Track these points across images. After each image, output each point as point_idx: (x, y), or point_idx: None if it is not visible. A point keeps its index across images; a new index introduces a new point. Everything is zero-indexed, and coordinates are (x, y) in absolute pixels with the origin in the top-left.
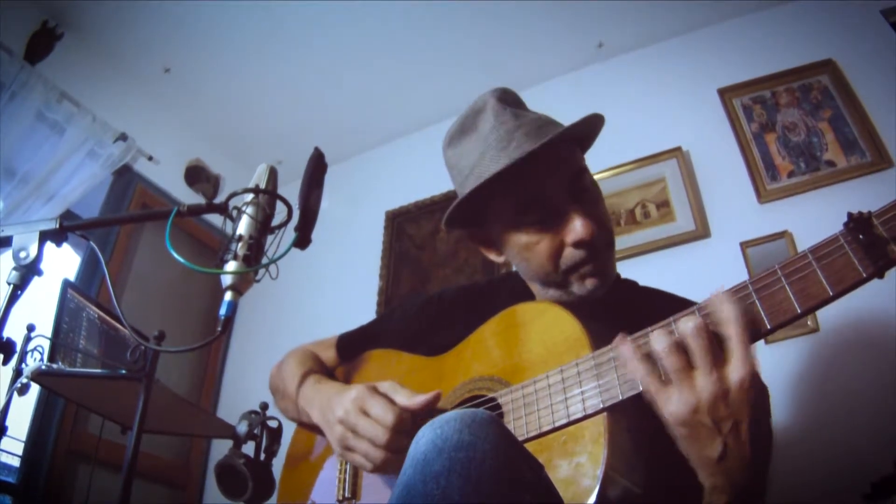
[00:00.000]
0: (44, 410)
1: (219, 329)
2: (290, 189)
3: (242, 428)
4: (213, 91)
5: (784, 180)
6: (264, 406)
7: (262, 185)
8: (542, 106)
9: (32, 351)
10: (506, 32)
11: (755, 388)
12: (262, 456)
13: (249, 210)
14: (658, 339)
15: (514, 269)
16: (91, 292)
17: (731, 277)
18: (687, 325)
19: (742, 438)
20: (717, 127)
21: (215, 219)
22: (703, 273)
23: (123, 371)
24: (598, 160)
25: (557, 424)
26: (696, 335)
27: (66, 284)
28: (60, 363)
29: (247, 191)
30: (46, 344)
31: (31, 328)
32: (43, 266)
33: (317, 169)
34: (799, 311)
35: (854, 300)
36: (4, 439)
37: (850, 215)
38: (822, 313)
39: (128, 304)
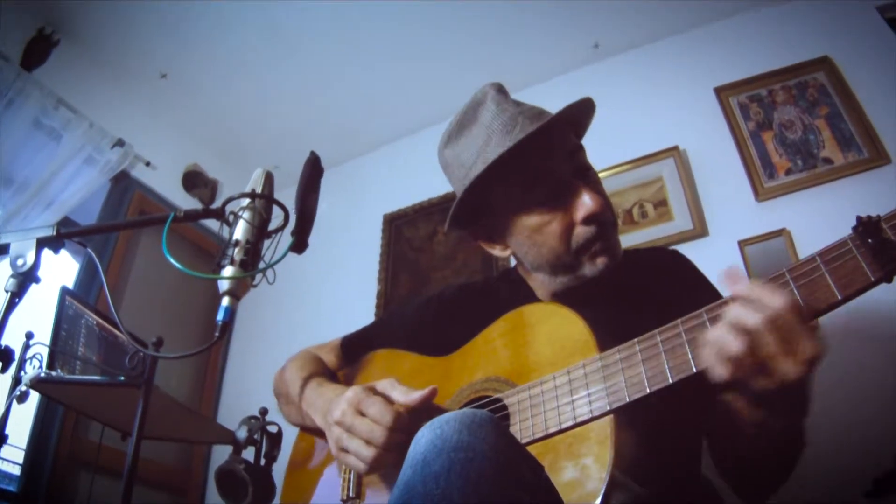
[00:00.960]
0: (43, 418)
1: (216, 334)
2: (287, 193)
3: (242, 433)
4: (209, 96)
5: (781, 178)
6: (264, 411)
7: (259, 190)
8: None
9: (31, 358)
10: (501, 35)
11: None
12: (263, 461)
13: (246, 215)
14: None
15: (512, 264)
16: (90, 299)
17: None
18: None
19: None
20: (714, 126)
21: (213, 224)
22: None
23: (122, 378)
24: (596, 160)
25: (564, 426)
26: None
27: (65, 291)
28: (59, 370)
29: (243, 195)
30: (45, 351)
31: (29, 336)
32: (41, 273)
33: (313, 173)
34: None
35: None
36: (5, 448)
37: (859, 219)
38: None
39: (126, 310)
